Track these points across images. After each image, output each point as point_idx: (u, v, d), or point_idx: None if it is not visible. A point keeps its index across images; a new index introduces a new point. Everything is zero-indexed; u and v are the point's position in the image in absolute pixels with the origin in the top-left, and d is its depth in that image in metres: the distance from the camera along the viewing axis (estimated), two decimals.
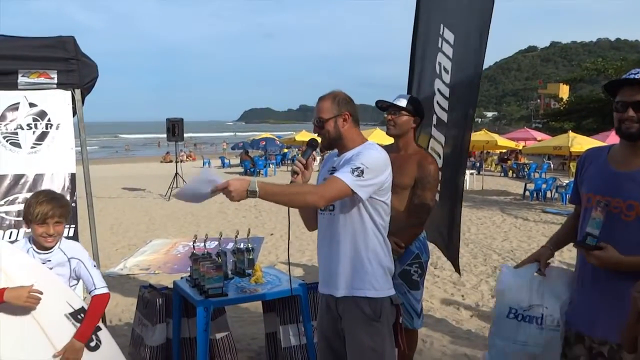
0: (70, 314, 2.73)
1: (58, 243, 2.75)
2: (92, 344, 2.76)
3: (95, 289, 2.80)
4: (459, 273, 4.90)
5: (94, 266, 2.86)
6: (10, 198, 3.25)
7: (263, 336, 4.59)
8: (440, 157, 4.32)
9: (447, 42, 4.10)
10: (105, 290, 2.83)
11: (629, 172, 2.18)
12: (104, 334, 2.84)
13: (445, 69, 4.15)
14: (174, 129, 16.97)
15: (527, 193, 17.01)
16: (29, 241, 2.71)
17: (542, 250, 2.63)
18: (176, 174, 17.23)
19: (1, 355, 2.49)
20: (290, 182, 2.53)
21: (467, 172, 21.16)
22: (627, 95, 2.14)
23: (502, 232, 10.80)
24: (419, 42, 4.14)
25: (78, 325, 2.74)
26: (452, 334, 5.12)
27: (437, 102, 4.30)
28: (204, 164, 32.06)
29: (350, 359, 2.62)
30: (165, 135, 18.03)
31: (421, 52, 4.17)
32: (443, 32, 4.11)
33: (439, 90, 4.25)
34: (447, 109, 4.23)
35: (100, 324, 2.87)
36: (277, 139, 37.27)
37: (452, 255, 4.57)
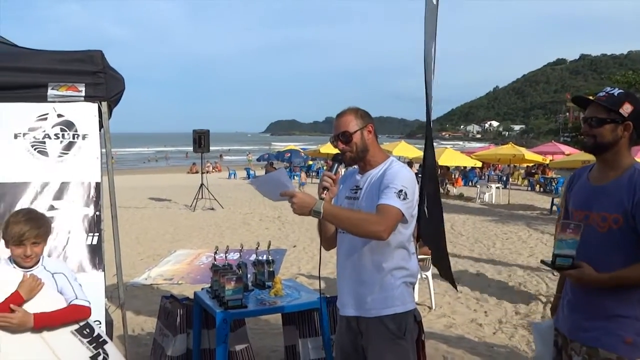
0: (76, 330, 2.74)
1: (40, 261, 2.73)
2: (100, 358, 2.75)
3: (77, 298, 2.74)
4: (455, 288, 4.78)
5: (76, 280, 2.82)
6: (35, 205, 3.31)
7: (282, 349, 4.59)
8: (427, 171, 4.31)
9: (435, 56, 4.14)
10: (87, 304, 2.75)
11: (603, 186, 2.34)
12: (110, 348, 2.83)
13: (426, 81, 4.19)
14: (200, 140, 17.16)
15: (555, 208, 16.71)
16: (10, 261, 2.68)
17: (554, 302, 2.69)
18: (202, 185, 17.40)
19: None
20: (320, 198, 2.51)
21: (493, 185, 20.92)
22: (588, 111, 2.37)
23: (528, 248, 10.61)
24: (425, 56, 4.17)
25: (85, 340, 2.74)
26: (474, 351, 5.04)
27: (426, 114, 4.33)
28: (229, 175, 32.32)
29: None
30: (191, 147, 18.25)
31: (427, 67, 4.19)
32: (435, 45, 4.15)
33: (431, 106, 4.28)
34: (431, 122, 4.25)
35: (107, 338, 2.86)
36: (301, 150, 37.38)
37: (446, 272, 4.53)
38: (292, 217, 14.26)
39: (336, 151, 2.74)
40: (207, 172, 19.90)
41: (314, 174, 32.02)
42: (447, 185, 23.08)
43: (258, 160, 38.80)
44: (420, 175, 4.22)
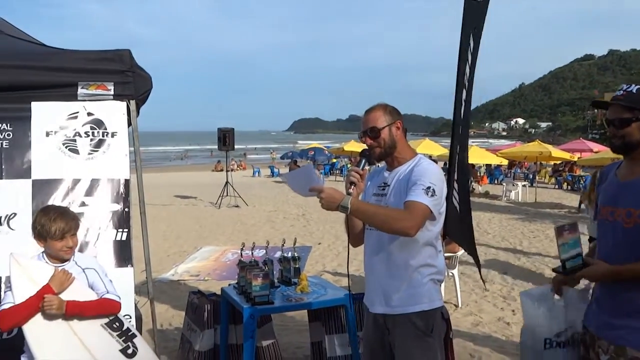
0: (106, 324, 2.79)
1: (72, 255, 2.81)
2: (129, 351, 2.80)
3: (108, 293, 2.81)
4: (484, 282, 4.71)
5: (106, 275, 2.90)
6: (68, 201, 3.38)
7: (308, 345, 4.60)
8: (456, 168, 4.24)
9: (470, 50, 4.05)
10: (117, 299, 2.83)
11: (630, 181, 2.32)
12: (139, 341, 2.87)
13: (467, 78, 4.10)
14: (225, 138, 17.29)
15: (583, 206, 16.42)
16: (43, 256, 2.77)
17: (555, 277, 2.66)
18: (227, 182, 17.54)
19: None
20: (347, 193, 2.51)
21: (519, 183, 20.64)
22: (609, 113, 2.33)
23: (556, 247, 10.43)
24: (462, 53, 4.10)
25: (115, 334, 2.79)
26: (502, 350, 4.99)
27: (462, 112, 4.25)
28: (254, 173, 32.51)
29: None
30: (215, 146, 18.40)
31: (461, 63, 4.12)
32: (470, 41, 4.06)
33: (464, 100, 4.20)
34: (462, 118, 4.17)
35: (136, 332, 2.91)
36: (325, 148, 37.38)
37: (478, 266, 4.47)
38: (316, 215, 14.29)
39: (362, 148, 2.73)
40: (232, 170, 20.05)
41: (337, 171, 32.01)
42: (473, 183, 22.85)
43: (282, 158, 38.97)
44: (446, 173, 4.16)
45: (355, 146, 32.59)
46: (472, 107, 4.16)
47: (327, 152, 36.17)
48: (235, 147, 18.65)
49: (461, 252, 6.39)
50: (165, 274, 8.02)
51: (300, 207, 15.67)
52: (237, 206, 16.59)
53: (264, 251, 4.40)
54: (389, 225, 2.43)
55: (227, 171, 19.01)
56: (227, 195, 17.27)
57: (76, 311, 2.64)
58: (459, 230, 4.16)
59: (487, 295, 6.82)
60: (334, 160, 35.24)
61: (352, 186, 2.54)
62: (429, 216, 2.45)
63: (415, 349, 2.53)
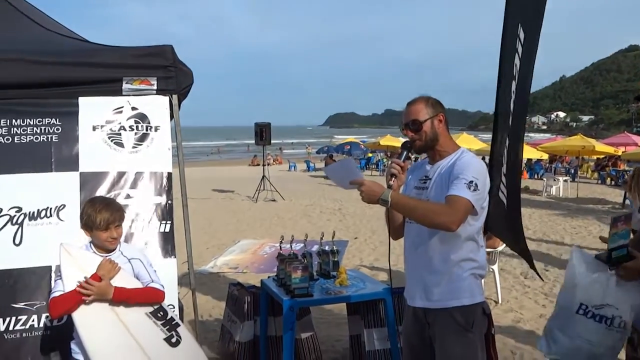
0: (151, 312, 2.85)
1: (118, 247, 2.89)
2: (173, 340, 2.86)
3: (153, 282, 2.88)
4: (537, 272, 4.61)
5: (151, 265, 2.96)
6: (113, 193, 3.46)
7: (347, 338, 4.61)
8: (504, 162, 4.14)
9: (520, 41, 3.93)
10: (162, 289, 2.90)
11: None
12: (183, 331, 2.93)
13: (517, 70, 3.99)
14: (262, 133, 17.43)
15: (628, 202, 15.92)
16: (90, 246, 2.86)
17: None
18: (263, 176, 17.69)
19: (91, 355, 2.63)
20: (388, 185, 2.50)
21: (560, 178, 20.15)
22: None
23: (599, 243, 10.17)
24: (506, 44, 3.99)
25: (159, 323, 2.85)
26: None
27: (513, 103, 4.14)
28: (290, 167, 32.68)
29: None
30: (252, 141, 18.57)
31: (507, 55, 4.01)
32: (519, 32, 3.94)
33: (513, 92, 4.09)
34: (512, 110, 4.07)
35: (179, 321, 2.96)
36: (361, 143, 37.27)
37: (528, 256, 4.33)
38: (353, 210, 14.28)
39: (398, 142, 2.71)
40: (268, 164, 20.21)
41: (373, 166, 31.89)
42: None
43: (318, 152, 39.02)
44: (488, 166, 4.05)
45: (392, 140, 32.40)
46: (501, 101, 4.05)
47: (363, 146, 36.04)
48: (272, 141, 18.78)
49: (501, 247, 6.29)
50: (205, 266, 8.15)
51: (337, 202, 15.68)
52: (274, 200, 16.72)
53: (302, 244, 4.43)
54: (430, 220, 2.41)
55: (263, 165, 19.17)
56: (263, 189, 17.42)
57: (123, 298, 2.71)
58: (504, 225, 4.06)
59: (527, 292, 6.70)
60: (370, 155, 35.10)
61: (393, 178, 2.53)
62: (470, 211, 2.42)
63: (455, 344, 2.51)
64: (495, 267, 6.24)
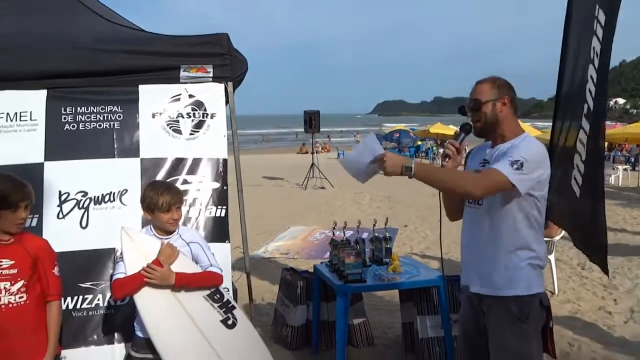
0: (208, 295, 2.92)
1: (177, 230, 2.96)
2: (229, 322, 2.92)
3: (211, 266, 2.95)
4: (607, 274, 4.48)
5: (209, 249, 3.02)
6: (172, 179, 3.56)
7: (399, 325, 4.60)
8: (584, 151, 3.95)
9: (600, 23, 3.73)
10: (220, 272, 2.96)
11: None
12: (239, 313, 2.99)
13: (597, 54, 3.78)
14: (311, 121, 17.49)
15: None
16: (151, 229, 2.95)
17: None
18: (312, 164, 17.76)
19: (151, 334, 2.72)
20: (442, 165, 2.47)
21: (620, 167, 19.36)
22: None
23: None
24: (573, 26, 3.82)
25: (216, 305, 2.92)
26: (603, 340, 4.75)
27: (589, 90, 3.93)
28: (338, 155, 32.68)
29: (493, 358, 2.51)
30: (301, 129, 18.64)
31: (575, 37, 3.83)
32: (597, 14, 3.74)
33: (591, 77, 3.87)
34: (594, 96, 3.85)
35: (235, 304, 3.02)
36: (410, 131, 36.82)
37: (598, 256, 4.15)
38: (403, 198, 14.17)
39: (448, 130, 2.66)
40: (317, 152, 20.27)
41: (422, 154, 31.51)
42: None
43: None
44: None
45: (442, 128, 31.87)
46: (566, 89, 3.87)
47: (412, 134, 35.60)
48: (321, 129, 18.81)
49: (558, 237, 6.12)
50: (257, 252, 8.29)
51: (387, 190, 15.57)
52: (323, 187, 16.78)
53: (352, 231, 4.44)
54: (452, 187, 2.38)
55: (312, 153, 19.24)
56: (313, 176, 17.50)
57: (183, 283, 2.79)
58: (571, 216, 3.87)
59: (585, 283, 6.50)
60: (419, 143, 34.66)
61: (447, 159, 2.49)
62: (505, 186, 2.33)
63: (509, 335, 2.44)
64: (552, 257, 6.08)
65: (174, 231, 2.94)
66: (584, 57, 3.83)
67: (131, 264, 2.77)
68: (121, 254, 2.82)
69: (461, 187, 2.36)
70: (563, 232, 6.19)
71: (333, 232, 4.45)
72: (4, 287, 2.52)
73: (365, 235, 4.49)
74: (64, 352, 2.84)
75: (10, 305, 2.52)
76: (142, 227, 3.23)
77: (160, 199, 2.81)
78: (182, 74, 3.71)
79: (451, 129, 30.89)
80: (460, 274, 2.75)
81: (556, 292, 6.02)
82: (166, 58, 3.67)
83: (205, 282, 2.90)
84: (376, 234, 4.39)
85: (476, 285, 2.57)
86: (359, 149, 2.45)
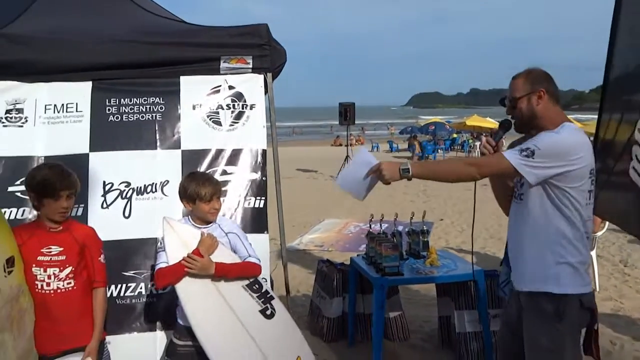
0: (247, 285, 2.95)
1: (216, 220, 2.99)
2: (268, 312, 2.95)
3: (250, 256, 2.97)
4: None
5: (247, 239, 3.05)
6: (212, 170, 3.60)
7: (435, 319, 4.58)
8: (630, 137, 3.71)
9: None
10: (258, 262, 2.99)
11: None
12: (277, 304, 3.02)
13: None
14: (346, 113, 17.45)
15: None
16: (189, 219, 2.98)
17: None
18: (347, 156, 17.74)
19: (192, 323, 2.76)
20: None
21: None
22: None
23: None
24: (624, 12, 3.60)
25: (254, 295, 2.95)
26: None
27: None
28: (372, 148, 32.55)
29: (526, 354, 2.47)
30: (335, 121, 18.61)
31: (629, 23, 3.59)
32: None
33: None
34: None
35: (274, 294, 3.05)
36: (446, 123, 36.30)
37: None
38: (438, 191, 14.03)
39: (483, 122, 2.62)
40: (351, 144, 20.23)
41: (458, 147, 31.07)
42: None
43: (401, 133, 38.48)
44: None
45: (478, 121, 31.34)
46: (617, 74, 3.64)
47: (448, 126, 35.09)
48: (356, 122, 18.75)
49: (600, 232, 5.98)
50: (291, 243, 8.34)
51: (421, 183, 15.42)
52: None
53: (387, 224, 4.42)
54: (452, 176, 2.43)
55: (347, 145, 19.20)
56: None
57: (223, 272, 2.83)
58: (630, 211, 3.63)
59: (627, 280, 6.33)
60: (455, 136, 34.15)
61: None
62: (507, 172, 2.33)
63: (541, 334, 2.39)
64: (593, 254, 5.93)
65: (214, 221, 2.98)
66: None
67: (172, 254, 2.81)
68: (163, 243, 2.88)
69: (460, 172, 2.38)
70: (605, 228, 6.04)
71: (370, 225, 4.44)
72: (53, 273, 2.60)
73: (401, 228, 4.47)
74: (108, 338, 2.90)
75: (59, 291, 2.61)
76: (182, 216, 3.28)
77: (203, 190, 2.86)
78: (223, 65, 3.73)
79: (488, 122, 30.33)
80: (496, 268, 2.72)
81: (597, 289, 5.89)
82: (207, 49, 3.70)
83: (244, 272, 2.93)
84: (413, 227, 4.36)
85: (515, 280, 2.55)
86: (353, 164, 2.50)
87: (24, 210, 3.34)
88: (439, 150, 28.19)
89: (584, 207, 2.38)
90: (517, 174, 2.31)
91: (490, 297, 4.00)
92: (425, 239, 4.29)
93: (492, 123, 28.92)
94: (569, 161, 2.30)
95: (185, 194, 2.92)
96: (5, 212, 3.18)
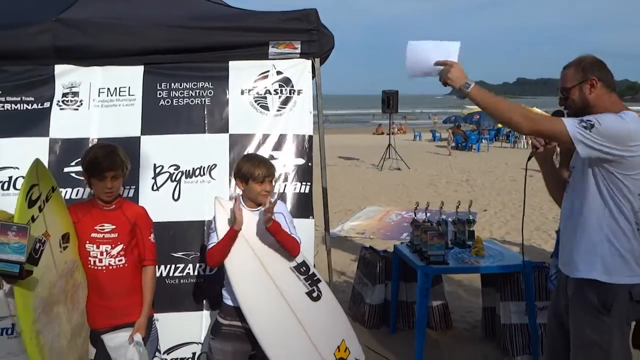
0: (294, 267, 2.98)
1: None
2: (314, 294, 2.98)
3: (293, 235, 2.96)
4: None
5: (292, 221, 3.05)
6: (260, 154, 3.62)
7: (479, 310, 4.52)
8: None
9: None
10: (299, 242, 2.97)
11: None
12: (323, 286, 3.04)
13: None
14: (389, 101, 17.29)
15: None
16: (241, 201, 2.99)
17: None
18: (389, 145, 17.62)
19: (241, 303, 2.81)
20: (530, 155, 2.44)
21: None
22: None
23: None
24: None
25: (301, 277, 2.97)
26: None
27: None
28: (414, 137, 32.23)
29: (572, 347, 2.42)
30: (378, 110, 18.48)
31: None
32: None
33: None
34: None
35: (320, 277, 3.06)
36: None
37: None
38: (481, 182, 13.81)
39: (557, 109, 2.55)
40: (393, 133, 20.06)
41: (503, 137, 30.42)
42: None
43: (444, 122, 37.93)
44: None
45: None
46: None
47: None
48: (399, 110, 18.57)
49: None
50: (333, 230, 8.36)
51: (465, 172, 15.24)
52: (399, 169, 16.63)
53: (431, 213, 4.38)
54: (501, 113, 2.35)
55: (389, 134, 19.06)
56: (389, 157, 17.37)
57: (276, 229, 2.83)
58: None
59: None
60: (500, 126, 33.41)
61: (535, 149, 2.48)
62: (561, 137, 2.26)
63: (586, 325, 2.33)
64: None
65: (264, 202, 3.00)
66: None
67: (223, 232, 2.86)
68: (214, 223, 2.92)
69: (511, 117, 2.32)
70: None
71: (415, 213, 4.41)
72: (105, 250, 2.68)
73: (445, 217, 4.42)
74: (156, 315, 2.98)
75: (111, 268, 2.69)
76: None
77: (257, 170, 2.88)
78: (271, 50, 3.74)
79: (536, 111, 29.53)
80: (544, 260, 2.66)
81: None
82: (256, 34, 3.71)
83: (289, 242, 2.91)
84: (459, 217, 4.31)
85: (563, 266, 2.51)
86: (437, 43, 2.43)
87: (77, 191, 3.45)
88: (483, 140, 27.65)
89: (637, 197, 2.32)
90: (568, 140, 2.24)
91: (537, 288, 3.92)
92: (471, 229, 4.24)
93: (540, 114, 28.17)
94: (627, 147, 2.24)
95: (239, 173, 2.94)
96: (61, 192, 3.30)
